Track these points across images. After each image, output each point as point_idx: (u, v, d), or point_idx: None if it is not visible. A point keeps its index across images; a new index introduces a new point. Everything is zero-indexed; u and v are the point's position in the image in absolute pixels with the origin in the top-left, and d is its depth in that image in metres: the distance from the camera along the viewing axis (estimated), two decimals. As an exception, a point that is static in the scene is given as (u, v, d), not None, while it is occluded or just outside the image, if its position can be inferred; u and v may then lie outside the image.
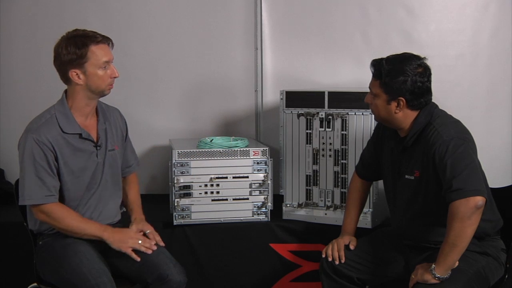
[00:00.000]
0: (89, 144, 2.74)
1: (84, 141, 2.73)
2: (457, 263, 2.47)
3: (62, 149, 2.67)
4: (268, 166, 3.29)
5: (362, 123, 3.15)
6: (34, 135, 2.62)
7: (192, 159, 3.22)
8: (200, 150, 3.25)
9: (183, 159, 3.23)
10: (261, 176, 3.29)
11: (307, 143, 3.28)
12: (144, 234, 2.78)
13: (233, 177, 3.28)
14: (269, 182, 3.29)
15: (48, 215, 2.65)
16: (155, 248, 2.72)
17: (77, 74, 2.65)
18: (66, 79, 2.69)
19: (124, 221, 2.94)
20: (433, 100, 2.65)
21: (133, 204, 2.96)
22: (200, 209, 3.27)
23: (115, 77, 2.72)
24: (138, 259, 2.68)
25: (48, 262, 2.70)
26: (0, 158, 3.91)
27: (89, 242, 2.73)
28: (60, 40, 2.67)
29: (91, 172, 2.75)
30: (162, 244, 2.78)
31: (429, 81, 2.60)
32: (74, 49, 2.62)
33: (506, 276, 2.67)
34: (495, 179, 2.87)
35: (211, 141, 3.32)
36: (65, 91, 2.76)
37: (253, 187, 3.29)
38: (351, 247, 2.81)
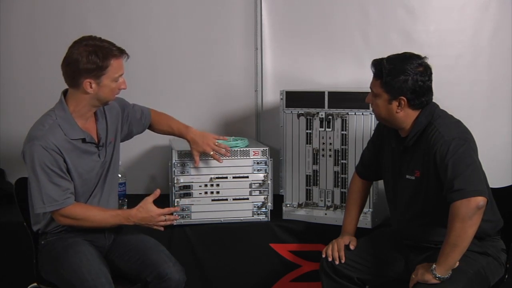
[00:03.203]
0: (92, 146, 2.75)
1: (87, 143, 2.73)
2: (457, 263, 2.47)
3: (69, 154, 2.67)
4: (268, 166, 3.29)
5: (362, 123, 3.15)
6: (41, 142, 2.60)
7: (192, 159, 3.22)
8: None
9: (183, 159, 3.22)
10: (261, 176, 3.29)
11: (307, 143, 3.28)
12: None
13: (233, 177, 3.27)
14: (269, 182, 3.29)
15: (71, 218, 2.66)
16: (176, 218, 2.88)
17: (90, 83, 2.63)
18: (74, 84, 2.65)
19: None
20: (433, 100, 2.65)
21: (169, 125, 3.09)
22: (200, 209, 3.27)
23: (123, 89, 2.73)
24: (162, 229, 2.79)
25: (49, 262, 2.71)
26: (0, 158, 3.90)
27: (91, 242, 2.76)
28: (78, 46, 2.62)
29: (96, 172, 2.77)
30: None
31: (430, 80, 2.60)
32: (96, 59, 2.59)
33: (506, 276, 2.67)
34: (495, 179, 2.87)
35: (212, 141, 3.32)
36: (64, 93, 2.73)
37: (253, 187, 3.29)
38: (351, 247, 2.81)
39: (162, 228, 2.79)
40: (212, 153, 3.12)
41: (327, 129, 3.22)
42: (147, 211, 2.70)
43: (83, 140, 2.71)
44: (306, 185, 3.31)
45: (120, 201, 3.10)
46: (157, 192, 2.75)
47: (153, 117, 3.11)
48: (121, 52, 2.67)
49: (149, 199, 2.73)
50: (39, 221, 2.76)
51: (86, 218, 2.67)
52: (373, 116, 2.83)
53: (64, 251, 2.66)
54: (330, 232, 3.05)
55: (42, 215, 2.72)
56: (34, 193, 2.64)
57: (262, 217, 3.32)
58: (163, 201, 3.48)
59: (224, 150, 3.15)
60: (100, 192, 2.80)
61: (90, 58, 2.59)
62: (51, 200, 2.62)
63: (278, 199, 3.38)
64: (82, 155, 2.71)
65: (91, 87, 2.63)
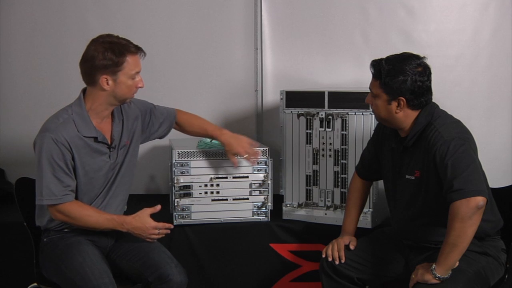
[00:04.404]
0: (103, 146, 2.75)
1: (99, 143, 2.74)
2: (457, 263, 2.47)
3: (79, 150, 2.67)
4: (268, 166, 3.29)
5: (362, 123, 3.15)
6: (52, 135, 2.61)
7: (192, 159, 3.22)
8: (200, 150, 3.24)
9: (183, 159, 3.23)
10: (261, 176, 3.29)
11: (307, 143, 3.28)
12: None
13: (233, 177, 3.27)
14: (269, 182, 3.29)
15: (65, 215, 2.66)
16: (168, 232, 2.80)
17: (107, 80, 2.64)
18: (92, 82, 2.67)
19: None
20: (433, 100, 2.65)
21: (203, 128, 3.10)
22: (200, 209, 3.27)
23: (140, 87, 2.74)
24: (155, 241, 2.78)
25: (51, 261, 2.71)
26: (0, 158, 3.90)
27: (93, 242, 2.76)
28: (95, 43, 2.64)
29: (104, 172, 2.77)
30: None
31: (429, 80, 2.60)
32: (111, 55, 2.61)
33: (506, 276, 2.68)
34: (495, 179, 2.88)
35: (211, 141, 3.31)
36: (83, 91, 2.74)
37: (253, 187, 3.29)
38: (351, 247, 2.81)
39: (153, 241, 2.79)
40: (245, 156, 3.13)
41: (327, 129, 3.22)
42: (143, 222, 2.70)
43: (95, 139, 2.72)
44: (306, 185, 3.31)
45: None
46: (158, 207, 2.74)
47: (181, 118, 3.11)
48: (137, 49, 2.70)
49: (148, 211, 2.72)
50: (43, 215, 2.75)
51: (80, 218, 2.67)
52: (373, 116, 2.83)
53: (67, 251, 2.67)
54: (330, 232, 3.05)
55: (47, 209, 2.72)
56: (36, 184, 2.66)
57: (262, 217, 3.32)
58: (163, 201, 3.49)
59: (256, 153, 3.17)
60: (106, 194, 2.80)
61: (106, 54, 2.61)
62: (50, 193, 2.63)
63: (278, 199, 3.38)
64: (92, 153, 2.71)
65: (107, 83, 2.65)
